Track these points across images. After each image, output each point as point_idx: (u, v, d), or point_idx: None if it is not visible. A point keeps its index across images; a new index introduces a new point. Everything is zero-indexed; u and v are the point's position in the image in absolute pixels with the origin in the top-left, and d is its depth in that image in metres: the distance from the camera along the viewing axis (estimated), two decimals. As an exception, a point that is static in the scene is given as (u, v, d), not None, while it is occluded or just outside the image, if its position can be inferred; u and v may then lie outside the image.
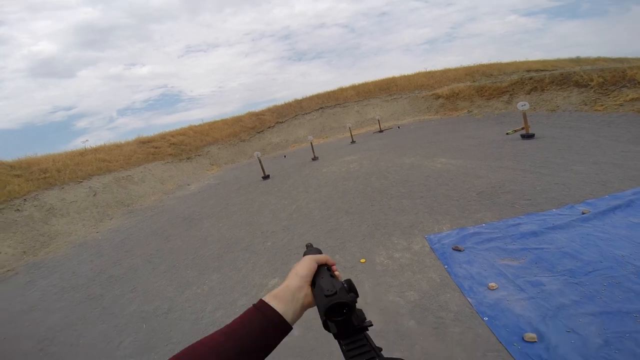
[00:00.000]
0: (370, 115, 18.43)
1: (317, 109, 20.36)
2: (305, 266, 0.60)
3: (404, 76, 21.50)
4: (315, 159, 10.95)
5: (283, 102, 22.44)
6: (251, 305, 0.54)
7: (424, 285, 2.93)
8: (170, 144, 15.98)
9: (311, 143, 11.72)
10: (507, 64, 20.20)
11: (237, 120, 20.34)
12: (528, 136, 7.10)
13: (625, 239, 3.01)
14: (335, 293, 0.49)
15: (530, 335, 2.12)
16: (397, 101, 18.55)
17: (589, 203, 3.78)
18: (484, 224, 3.78)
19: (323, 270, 0.60)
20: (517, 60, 20.84)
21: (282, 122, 19.95)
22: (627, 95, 7.95)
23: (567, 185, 4.31)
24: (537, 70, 15.50)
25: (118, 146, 14.68)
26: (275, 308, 0.52)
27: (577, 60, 19.40)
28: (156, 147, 15.17)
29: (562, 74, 10.72)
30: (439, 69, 21.75)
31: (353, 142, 12.97)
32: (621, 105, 7.76)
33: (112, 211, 9.99)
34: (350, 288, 0.51)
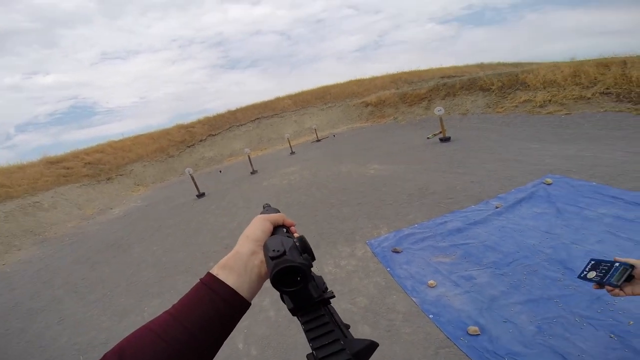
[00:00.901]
0: (307, 125, 18.71)
1: (253, 120, 19.94)
2: (257, 227, 0.50)
3: (338, 84, 22.33)
4: (254, 172, 10.74)
5: (215, 113, 21.48)
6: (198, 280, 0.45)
7: (372, 290, 3.06)
8: (86, 163, 14.22)
9: (248, 156, 11.46)
10: (425, 70, 21.97)
11: (164, 134, 18.98)
12: (445, 139, 7.91)
13: (533, 228, 3.49)
14: (284, 253, 0.38)
15: (473, 329, 2.29)
16: (332, 110, 19.18)
17: (500, 197, 4.31)
18: (416, 225, 4.08)
19: (279, 232, 0.51)
20: (434, 67, 22.84)
21: (215, 135, 19.10)
22: (520, 97, 9.38)
23: (481, 182, 4.90)
24: (450, 77, 17.27)
25: (20, 168, 12.74)
26: (226, 281, 0.43)
27: (482, 66, 21.93)
28: (68, 168, 13.38)
29: (469, 80, 12.19)
30: (368, 76, 23.01)
31: (292, 152, 13.03)
32: (516, 106, 9.12)
33: (20, 241, 8.77)
34: (303, 248, 0.41)
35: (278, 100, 21.71)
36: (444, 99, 12.33)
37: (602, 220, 3.30)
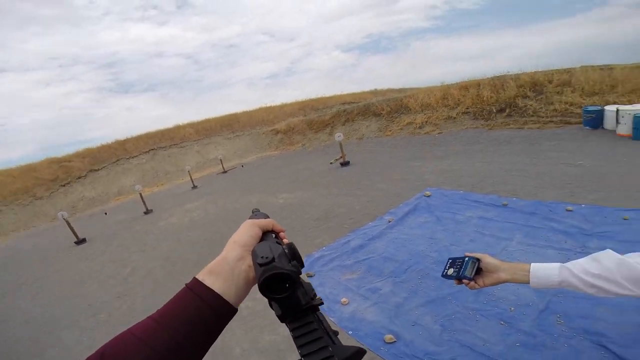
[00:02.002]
0: (212, 155, 17.97)
1: (147, 151, 18.17)
2: (245, 232, 0.49)
3: (246, 112, 22.25)
4: (148, 211, 9.73)
5: (99, 144, 18.86)
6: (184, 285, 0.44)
7: None
8: None
9: (140, 194, 10.13)
10: (329, 97, 23.50)
11: (28, 170, 15.98)
12: (345, 164, 8.63)
13: (420, 236, 4.01)
14: (273, 260, 0.38)
15: (389, 337, 2.46)
16: (240, 138, 19.00)
17: (391, 212, 4.87)
18: (324, 247, 4.31)
19: (268, 237, 0.50)
20: (337, 94, 24.58)
21: (99, 170, 16.77)
22: (404, 121, 10.97)
23: (376, 201, 5.49)
24: (349, 103, 19.02)
25: None
26: (212, 287, 0.42)
27: (375, 92, 24.73)
28: None
29: (364, 106, 13.72)
30: (277, 104, 23.55)
31: (195, 187, 12.26)
32: (401, 129, 10.63)
33: None
34: (292, 254, 0.41)
35: (178, 128, 20.37)
36: (344, 125, 13.54)
37: (470, 222, 4.03)
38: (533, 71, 9.84)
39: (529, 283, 0.93)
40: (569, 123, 7.37)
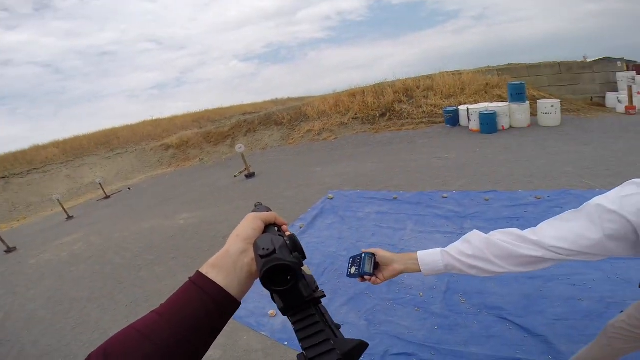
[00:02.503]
0: (88, 179, 15.13)
1: None
2: (248, 225, 0.49)
3: (128, 126, 19.61)
4: (10, 250, 7.94)
5: None
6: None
7: (220, 339, 2.71)
8: None
9: None
10: (228, 108, 22.61)
11: None
12: (250, 175, 8.37)
13: (330, 237, 4.11)
14: (274, 252, 0.37)
15: None
16: (122, 157, 16.49)
17: (301, 218, 4.87)
18: None
19: (270, 230, 0.51)
20: (236, 104, 23.84)
21: None
22: (304, 128, 11.31)
23: (286, 208, 5.44)
24: (250, 113, 18.62)
25: None
26: (215, 280, 0.42)
27: (276, 102, 24.95)
28: None
29: (266, 115, 13.61)
30: (166, 116, 21.54)
31: (70, 217, 10.13)
32: (302, 136, 10.93)
33: None
34: (294, 246, 0.40)
35: (38, 149, 16.87)
36: (245, 136, 13.15)
37: (370, 217, 4.33)
38: (405, 78, 11.39)
39: (419, 271, 0.96)
40: (435, 122, 8.78)
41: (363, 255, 1.01)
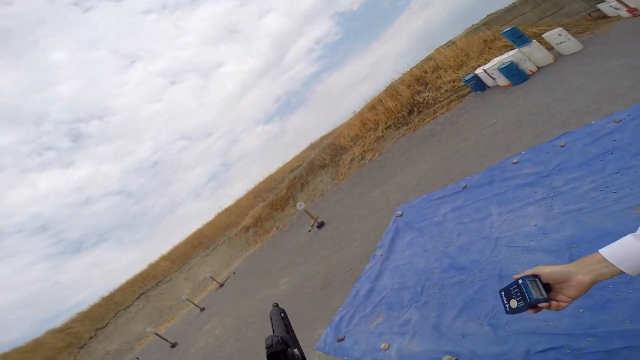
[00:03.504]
0: (201, 276, 16.98)
1: (139, 297, 17.24)
2: None
3: (208, 223, 21.69)
4: (174, 345, 9.71)
5: (88, 306, 17.67)
6: None
7: None
8: None
9: (156, 333, 10.19)
10: (276, 172, 23.44)
11: (37, 344, 15.28)
12: (321, 225, 8.37)
13: (413, 255, 3.87)
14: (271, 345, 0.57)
15: (447, 358, 2.23)
16: (217, 250, 18.16)
17: (379, 247, 4.72)
18: (339, 308, 4.02)
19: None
20: (280, 165, 24.75)
21: (104, 327, 15.78)
22: (347, 160, 11.29)
23: (362, 243, 5.30)
24: (296, 167, 19.41)
25: None
26: None
27: (312, 146, 25.54)
28: None
29: (309, 163, 13.99)
30: (232, 202, 23.32)
31: (202, 309, 11.69)
32: (349, 168, 10.88)
33: None
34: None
35: (154, 266, 19.43)
36: (302, 190, 13.58)
37: (447, 218, 3.95)
38: (409, 69, 10.87)
39: (620, 273, 0.71)
40: (464, 95, 8.12)
41: (522, 281, 0.81)
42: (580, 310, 1.85)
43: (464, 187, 4.23)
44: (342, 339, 3.42)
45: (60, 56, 50.75)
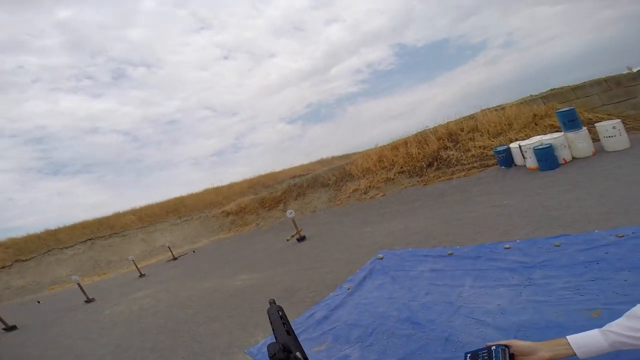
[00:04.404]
0: (159, 243, 16.76)
1: (84, 241, 16.87)
2: None
3: (193, 195, 21.65)
4: (90, 300, 9.24)
5: (26, 234, 17.24)
6: None
7: None
8: None
9: (79, 283, 9.68)
10: (279, 172, 23.69)
11: None
12: (301, 239, 8.48)
13: (379, 298, 3.84)
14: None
15: None
16: (188, 223, 18.08)
17: (349, 280, 4.67)
18: None
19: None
20: (286, 167, 24.96)
21: (27, 260, 15.33)
22: (350, 188, 11.43)
23: (335, 271, 5.37)
24: (300, 176, 19.48)
25: None
26: None
27: (322, 162, 25.60)
28: None
29: (313, 178, 14.13)
30: (225, 183, 23.25)
31: (142, 275, 11.43)
32: (349, 197, 11.01)
33: None
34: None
35: (118, 216, 19.20)
36: (296, 200, 13.68)
37: (423, 276, 4.02)
38: (446, 122, 10.78)
39: (574, 355, 0.88)
40: (488, 165, 8.25)
41: (494, 348, 0.89)
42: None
43: (450, 254, 4.32)
44: None
45: (149, 4, 55.07)
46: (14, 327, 7.80)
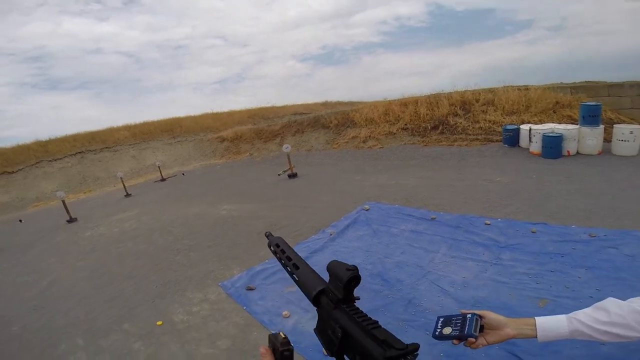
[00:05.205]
0: (150, 161, 16.74)
1: (74, 154, 16.61)
2: None
3: (191, 117, 21.14)
4: (72, 220, 8.93)
5: (15, 144, 16.95)
6: None
7: (232, 330, 3.06)
8: None
9: (63, 201, 9.20)
10: (281, 107, 23.16)
11: None
12: (293, 175, 8.65)
13: (358, 249, 4.14)
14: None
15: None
16: (182, 144, 18.00)
17: (333, 225, 4.98)
18: (267, 260, 4.23)
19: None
20: (289, 104, 24.35)
21: (13, 173, 15.02)
22: (350, 134, 11.34)
23: (320, 213, 5.58)
24: (301, 114, 19.11)
25: None
26: None
27: (326, 104, 25.07)
28: None
29: (314, 118, 13.85)
30: (225, 110, 22.73)
31: (128, 195, 11.35)
32: (347, 142, 10.97)
33: None
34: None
35: (112, 131, 18.79)
36: (294, 136, 13.56)
37: (403, 235, 4.28)
38: (463, 90, 10.56)
39: (536, 337, 0.92)
40: (491, 141, 8.25)
41: (469, 316, 0.93)
42: (441, 354, 2.28)
43: (433, 219, 4.54)
44: (252, 289, 3.65)
45: None
46: (-7, 250, 7.67)
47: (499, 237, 3.73)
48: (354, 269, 0.51)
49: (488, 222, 4.13)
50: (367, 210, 5.24)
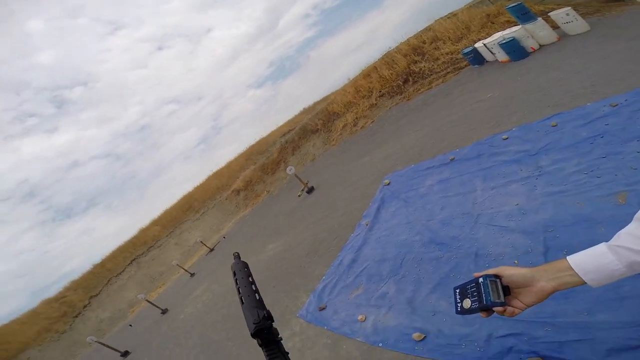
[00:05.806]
0: (191, 241, 17.11)
1: (130, 263, 17.42)
2: None
3: (198, 187, 21.50)
4: (164, 311, 9.68)
5: (80, 275, 18.06)
6: None
7: (324, 352, 2.95)
8: None
9: (147, 300, 10.15)
10: (268, 135, 22.82)
11: (33, 316, 15.44)
12: (310, 190, 8.39)
13: (397, 225, 3.90)
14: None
15: (417, 335, 2.28)
16: (207, 214, 18.20)
17: (365, 215, 4.78)
18: (323, 277, 4.09)
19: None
20: (272, 129, 24.10)
21: (97, 295, 16.05)
22: (339, 126, 11.09)
23: (347, 213, 5.34)
24: (288, 132, 18.99)
25: None
26: None
27: (305, 110, 24.83)
28: None
29: (301, 128, 13.69)
30: (223, 165, 22.91)
31: (192, 274, 11.77)
32: (341, 134, 10.72)
33: None
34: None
35: (144, 231, 19.46)
36: (293, 154, 13.40)
37: (432, 190, 3.97)
38: (407, 39, 10.45)
39: (583, 284, 0.66)
40: (461, 68, 7.84)
41: (481, 280, 0.73)
42: (546, 299, 1.92)
43: (452, 160, 4.22)
44: (324, 308, 3.49)
45: (36, 25, 47.52)
46: (126, 353, 8.57)
47: (526, 146, 3.34)
48: (258, 321, 0.54)
49: (505, 136, 3.77)
50: (388, 184, 4.96)
